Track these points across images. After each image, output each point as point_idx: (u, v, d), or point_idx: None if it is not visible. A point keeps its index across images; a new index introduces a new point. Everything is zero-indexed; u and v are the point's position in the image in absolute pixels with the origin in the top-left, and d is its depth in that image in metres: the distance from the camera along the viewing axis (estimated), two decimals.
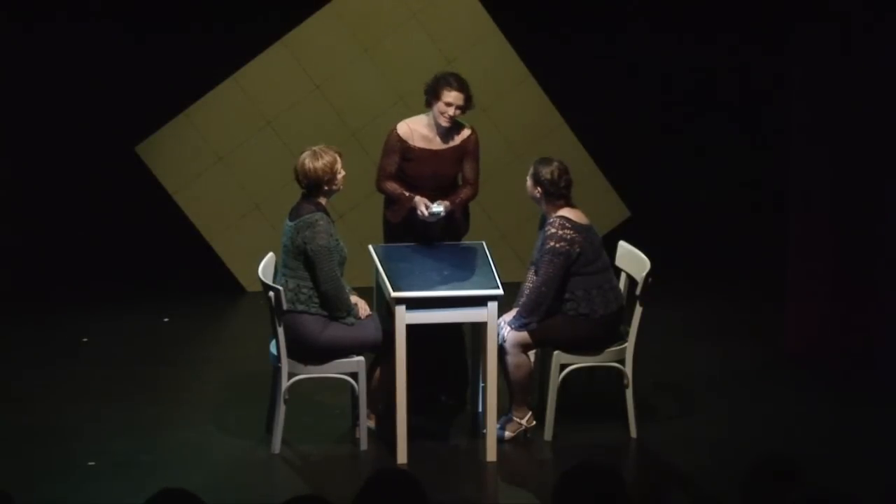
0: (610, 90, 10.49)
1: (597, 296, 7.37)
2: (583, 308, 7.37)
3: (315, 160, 7.25)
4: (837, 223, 8.57)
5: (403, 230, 7.85)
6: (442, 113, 7.66)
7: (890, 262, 8.45)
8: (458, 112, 7.66)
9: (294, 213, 7.31)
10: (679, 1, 10.34)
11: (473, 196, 7.88)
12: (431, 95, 7.69)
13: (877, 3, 8.19)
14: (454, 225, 7.90)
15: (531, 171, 7.41)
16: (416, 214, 7.68)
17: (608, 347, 7.48)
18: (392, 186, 7.77)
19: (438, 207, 7.63)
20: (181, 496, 4.27)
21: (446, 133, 7.75)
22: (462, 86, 7.65)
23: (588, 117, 10.44)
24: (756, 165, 10.40)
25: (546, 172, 7.37)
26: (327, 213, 7.31)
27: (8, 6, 9.98)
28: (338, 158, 7.30)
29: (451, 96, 7.63)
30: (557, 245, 7.31)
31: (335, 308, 7.24)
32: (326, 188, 7.27)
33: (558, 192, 7.37)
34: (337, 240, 7.29)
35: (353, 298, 7.37)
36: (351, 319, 7.28)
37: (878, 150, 8.41)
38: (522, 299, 7.42)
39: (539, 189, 7.39)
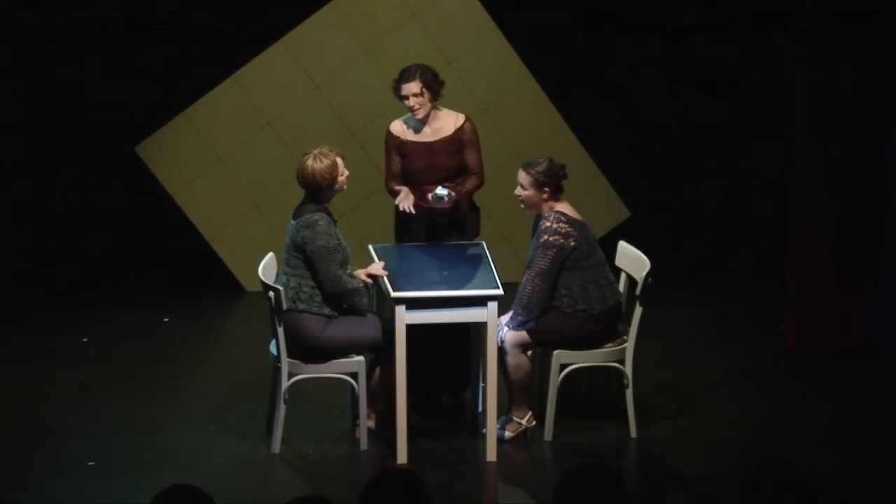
0: (609, 90, 10.48)
1: (593, 291, 7.37)
2: (580, 304, 7.37)
3: (315, 163, 7.24)
4: (837, 223, 8.56)
5: (413, 223, 7.77)
6: (410, 108, 7.64)
7: (890, 261, 8.45)
8: (420, 101, 7.60)
9: (297, 213, 7.31)
10: (679, 1, 10.34)
11: (479, 185, 7.83)
12: (396, 97, 7.67)
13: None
14: (461, 220, 7.87)
15: (526, 178, 7.37)
16: (423, 204, 7.64)
17: (607, 344, 7.49)
18: (398, 186, 7.76)
19: (443, 190, 7.61)
20: (190, 492, 4.28)
21: (439, 124, 7.72)
22: (409, 75, 7.58)
23: (588, 117, 10.43)
24: (756, 165, 10.38)
25: (544, 168, 7.37)
26: (329, 214, 7.31)
27: (7, 5, 9.97)
28: (338, 162, 7.29)
29: (404, 89, 7.60)
30: (551, 238, 7.31)
31: (343, 303, 7.26)
32: (327, 192, 7.28)
33: (559, 184, 7.37)
34: (339, 240, 7.29)
35: (355, 275, 7.35)
36: (365, 301, 7.29)
37: (879, 149, 8.41)
38: (517, 296, 7.42)
39: (546, 188, 7.36)
